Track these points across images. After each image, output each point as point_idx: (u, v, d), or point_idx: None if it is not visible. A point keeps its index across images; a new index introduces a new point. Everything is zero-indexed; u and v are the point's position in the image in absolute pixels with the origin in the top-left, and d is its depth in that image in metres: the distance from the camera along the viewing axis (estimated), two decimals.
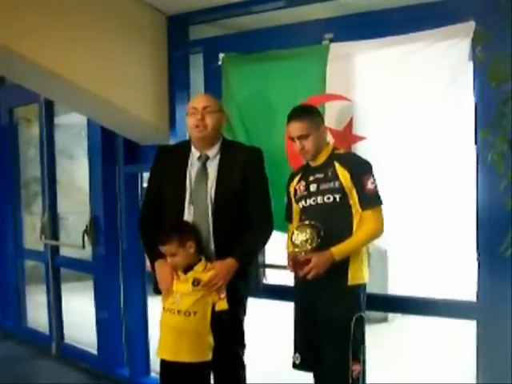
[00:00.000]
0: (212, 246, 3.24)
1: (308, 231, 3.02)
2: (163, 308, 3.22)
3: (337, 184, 3.08)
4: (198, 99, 3.40)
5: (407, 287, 5.56)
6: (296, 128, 3.16)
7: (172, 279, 3.18)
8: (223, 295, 3.11)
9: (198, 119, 3.26)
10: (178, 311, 3.11)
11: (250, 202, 3.29)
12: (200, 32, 4.38)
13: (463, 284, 4.11)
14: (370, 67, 3.45)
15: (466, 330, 3.50)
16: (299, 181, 3.26)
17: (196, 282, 3.09)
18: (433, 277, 7.05)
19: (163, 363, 3.25)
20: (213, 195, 3.25)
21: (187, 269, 3.14)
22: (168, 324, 3.17)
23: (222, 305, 3.10)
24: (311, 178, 3.18)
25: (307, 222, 3.06)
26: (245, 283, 3.32)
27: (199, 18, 4.32)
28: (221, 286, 3.11)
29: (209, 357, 3.15)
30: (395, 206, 3.27)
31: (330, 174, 3.11)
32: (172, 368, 3.19)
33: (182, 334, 3.12)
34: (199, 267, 3.13)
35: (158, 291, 3.33)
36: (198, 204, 3.27)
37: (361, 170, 3.10)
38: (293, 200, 3.30)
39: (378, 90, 3.40)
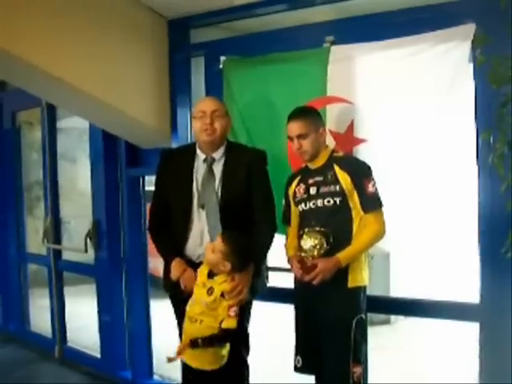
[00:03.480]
0: None
1: (318, 237, 3.04)
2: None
3: (337, 187, 3.09)
4: (207, 103, 3.38)
5: (409, 289, 5.55)
6: (295, 127, 3.17)
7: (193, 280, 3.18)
8: (233, 313, 3.02)
9: (207, 123, 3.25)
10: (189, 317, 3.11)
11: (254, 203, 3.29)
12: (201, 35, 4.38)
13: (466, 286, 4.11)
14: (370, 69, 3.45)
15: (469, 332, 3.49)
16: (298, 183, 3.27)
17: (210, 291, 3.06)
18: (435, 279, 7.05)
19: (183, 367, 3.26)
20: (219, 196, 3.26)
21: (212, 274, 3.12)
22: (186, 328, 3.15)
23: (230, 323, 3.01)
24: (311, 181, 3.19)
25: (317, 228, 3.07)
26: (252, 286, 3.31)
27: (200, 21, 4.32)
28: (244, 296, 3.08)
29: (223, 361, 3.13)
30: (397, 209, 3.28)
31: (329, 177, 3.12)
32: (191, 372, 3.19)
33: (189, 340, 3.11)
34: (219, 278, 3.08)
35: (168, 289, 3.37)
36: (210, 207, 3.27)
37: (361, 173, 3.11)
38: (292, 202, 3.31)
39: (379, 93, 3.41)
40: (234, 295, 3.04)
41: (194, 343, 3.03)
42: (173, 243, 3.33)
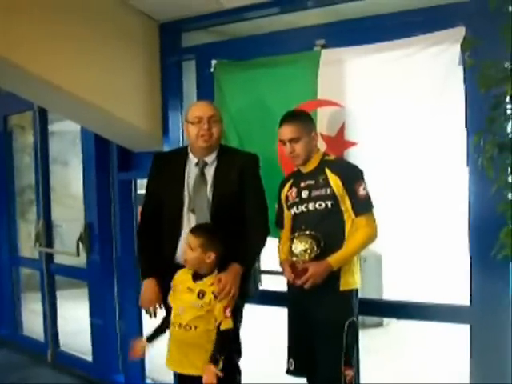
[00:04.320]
0: None
1: (308, 241, 3.05)
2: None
3: (328, 191, 3.09)
4: (203, 108, 3.33)
5: (402, 292, 5.57)
6: (287, 131, 3.18)
7: (156, 302, 3.22)
8: (229, 314, 3.03)
9: (205, 129, 3.23)
10: (180, 324, 3.07)
11: (247, 206, 3.28)
12: (192, 39, 4.39)
13: (457, 288, 4.12)
14: (361, 73, 3.46)
15: (461, 334, 3.50)
16: (290, 187, 3.27)
17: (201, 295, 3.05)
18: (428, 281, 7.07)
19: (175, 373, 3.22)
20: (211, 200, 3.25)
21: (197, 276, 3.11)
22: (172, 336, 3.14)
23: (228, 324, 3.03)
24: (302, 185, 3.20)
25: (308, 232, 3.08)
26: (243, 290, 3.30)
27: (191, 24, 4.33)
28: (234, 294, 3.07)
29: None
30: (389, 212, 3.28)
31: (321, 180, 3.13)
32: (183, 378, 3.18)
33: (184, 347, 3.09)
34: (208, 280, 3.08)
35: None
36: (200, 212, 3.26)
37: (352, 176, 3.12)
38: (284, 206, 3.32)
39: (370, 96, 3.42)
40: (223, 296, 3.03)
41: (214, 360, 2.99)
42: (154, 259, 3.33)
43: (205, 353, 3.05)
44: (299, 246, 3.06)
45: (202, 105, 3.44)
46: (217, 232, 3.14)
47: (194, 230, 3.13)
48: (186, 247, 3.11)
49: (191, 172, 3.34)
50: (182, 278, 3.16)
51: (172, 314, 3.15)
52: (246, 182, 3.30)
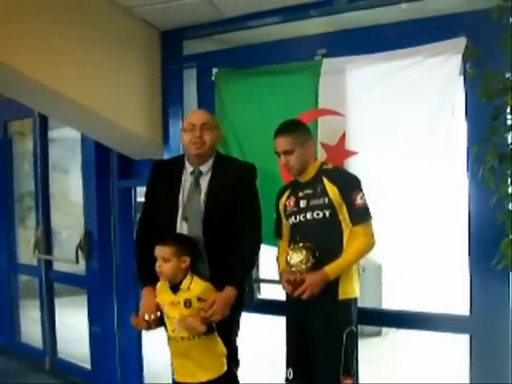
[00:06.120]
0: (206, 261, 3.21)
1: (303, 252, 3.04)
2: (168, 336, 3.17)
3: (326, 200, 3.09)
4: (197, 116, 3.36)
5: (401, 301, 5.56)
6: (281, 143, 3.18)
7: (156, 311, 3.16)
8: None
9: (197, 136, 3.23)
10: (182, 338, 3.05)
11: (240, 216, 3.25)
12: (194, 47, 4.39)
13: (457, 298, 4.12)
14: (362, 82, 3.47)
15: (461, 344, 3.50)
16: (288, 197, 3.28)
17: (188, 303, 3.03)
18: (428, 291, 7.07)
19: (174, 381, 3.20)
20: (203, 209, 3.23)
21: (174, 287, 3.09)
22: (176, 350, 3.12)
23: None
24: (300, 194, 3.20)
25: (302, 244, 3.08)
26: (238, 299, 3.30)
27: (193, 32, 4.33)
28: (219, 315, 3.02)
29: (224, 367, 3.12)
30: (389, 221, 3.29)
31: (318, 189, 3.13)
32: None
33: (193, 356, 3.08)
34: (185, 285, 3.06)
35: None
36: (192, 219, 3.24)
37: (349, 185, 3.11)
38: (282, 216, 3.32)
39: (370, 105, 3.42)
40: (205, 315, 2.99)
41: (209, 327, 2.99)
42: (153, 266, 3.27)
43: (212, 354, 3.08)
44: (295, 257, 3.05)
45: (196, 112, 3.48)
46: (186, 240, 3.15)
47: (163, 242, 3.10)
48: (159, 261, 3.08)
49: (187, 181, 3.34)
50: (162, 295, 3.15)
51: (169, 331, 3.12)
52: (240, 192, 3.27)
